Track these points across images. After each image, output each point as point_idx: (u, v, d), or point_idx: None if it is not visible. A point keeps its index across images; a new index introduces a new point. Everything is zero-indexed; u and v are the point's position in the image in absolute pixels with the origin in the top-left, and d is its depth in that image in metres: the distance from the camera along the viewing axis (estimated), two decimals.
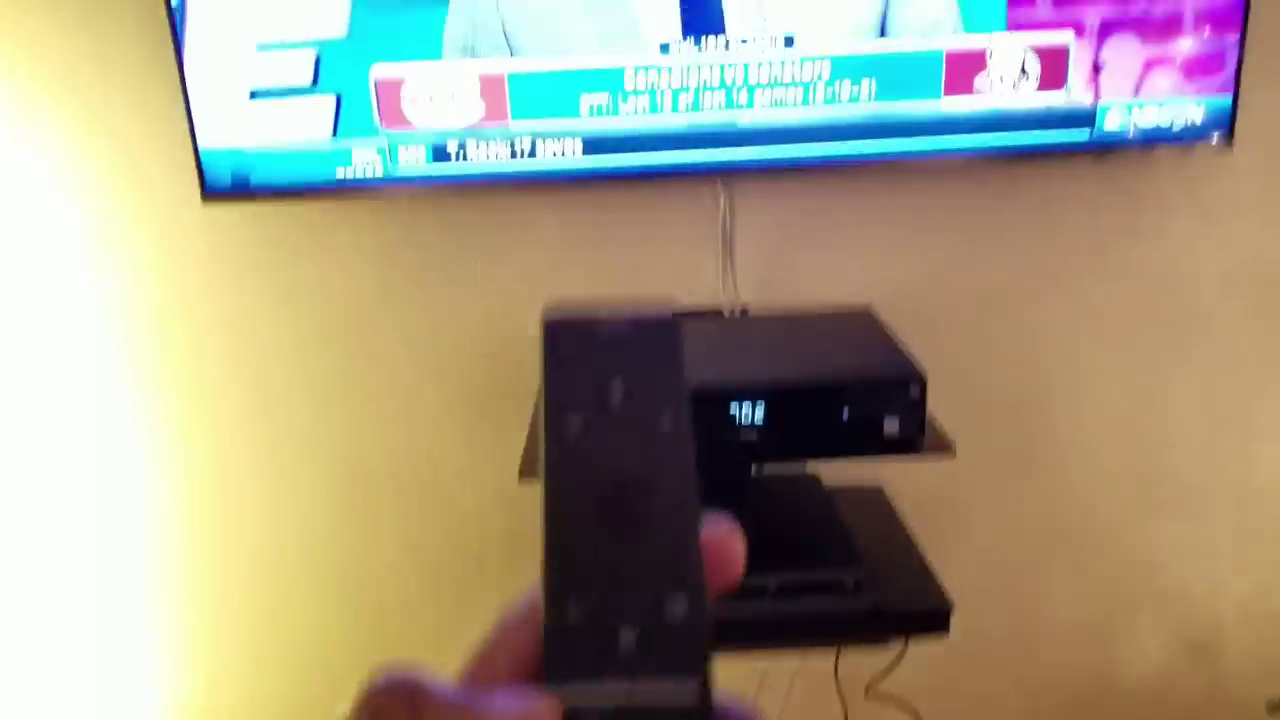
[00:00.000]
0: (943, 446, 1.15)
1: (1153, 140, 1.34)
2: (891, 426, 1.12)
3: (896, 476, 1.47)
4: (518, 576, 1.45)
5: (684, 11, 1.25)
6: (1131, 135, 1.33)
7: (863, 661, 1.55)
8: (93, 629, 1.55)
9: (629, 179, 1.33)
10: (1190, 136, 1.34)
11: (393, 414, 1.51)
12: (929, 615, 1.18)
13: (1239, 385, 1.57)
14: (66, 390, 1.46)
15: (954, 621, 1.29)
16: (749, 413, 1.12)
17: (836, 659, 1.56)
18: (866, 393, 1.11)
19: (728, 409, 1.12)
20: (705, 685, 0.27)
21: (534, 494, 1.11)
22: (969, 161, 1.34)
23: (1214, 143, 1.34)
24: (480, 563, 1.56)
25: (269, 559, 1.55)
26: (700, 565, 0.28)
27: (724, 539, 0.28)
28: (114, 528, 1.52)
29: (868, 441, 1.13)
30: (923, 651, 1.50)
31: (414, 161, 1.30)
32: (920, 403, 1.12)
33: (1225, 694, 1.70)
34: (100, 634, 1.56)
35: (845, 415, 1.11)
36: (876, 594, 1.19)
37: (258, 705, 1.61)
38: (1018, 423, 1.54)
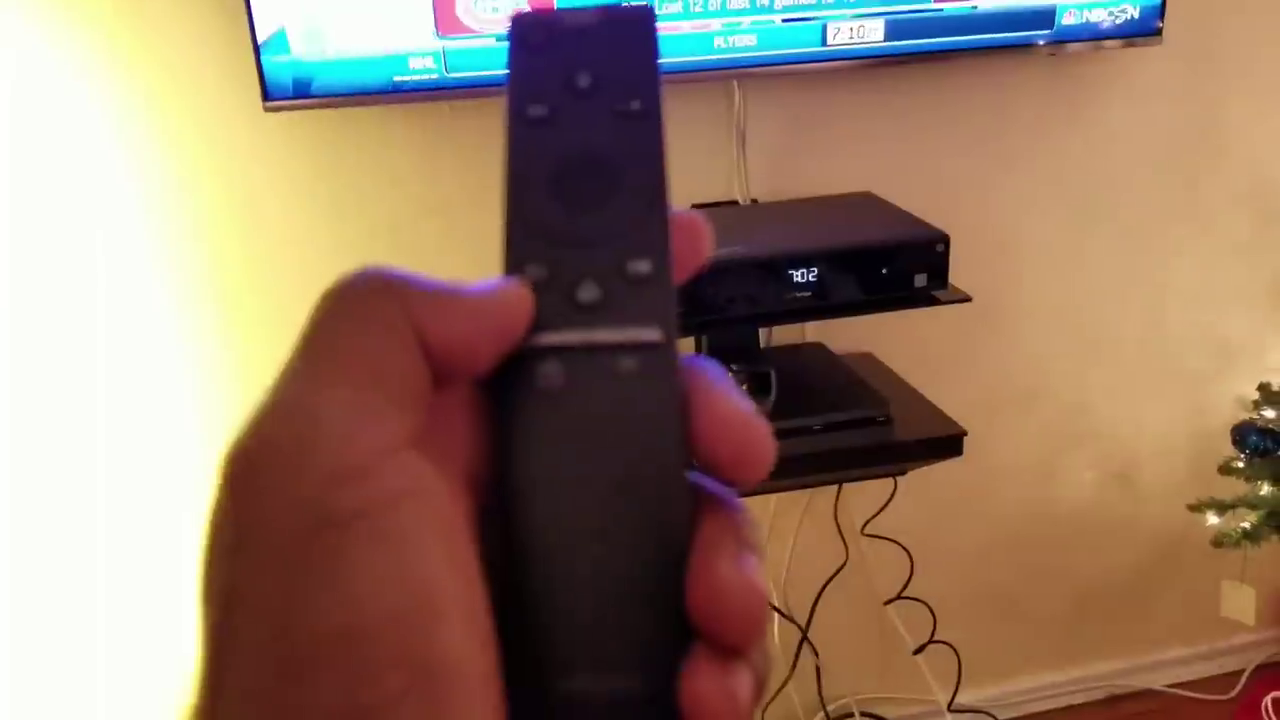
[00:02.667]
0: (961, 298, 1.36)
1: (1098, 36, 1.57)
2: (920, 280, 1.34)
3: (878, 342, 1.70)
4: None
5: None
6: (1082, 31, 1.56)
7: (857, 504, 1.79)
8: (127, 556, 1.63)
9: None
10: (1127, 32, 1.58)
11: None
12: (948, 440, 1.41)
13: (1156, 249, 1.85)
14: (108, 294, 1.52)
15: (926, 469, 1.52)
16: (804, 275, 1.31)
17: (836, 502, 1.79)
18: (903, 252, 1.32)
19: (787, 273, 1.30)
20: (667, 331, 0.27)
21: None
22: (951, 57, 1.54)
23: (1146, 37, 1.58)
24: None
25: None
26: (666, 233, 0.28)
27: (692, 217, 0.28)
28: (155, 438, 1.59)
29: (901, 296, 1.34)
30: (904, 495, 1.75)
31: (464, 66, 1.42)
32: (944, 259, 1.33)
33: (1143, 516, 2.02)
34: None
35: (884, 273, 1.32)
36: (903, 427, 1.41)
37: None
38: (980, 286, 1.78)
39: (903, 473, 1.56)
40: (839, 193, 1.60)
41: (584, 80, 0.29)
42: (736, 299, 1.31)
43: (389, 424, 0.23)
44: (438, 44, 1.40)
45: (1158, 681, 2.12)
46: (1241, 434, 1.62)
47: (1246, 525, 1.60)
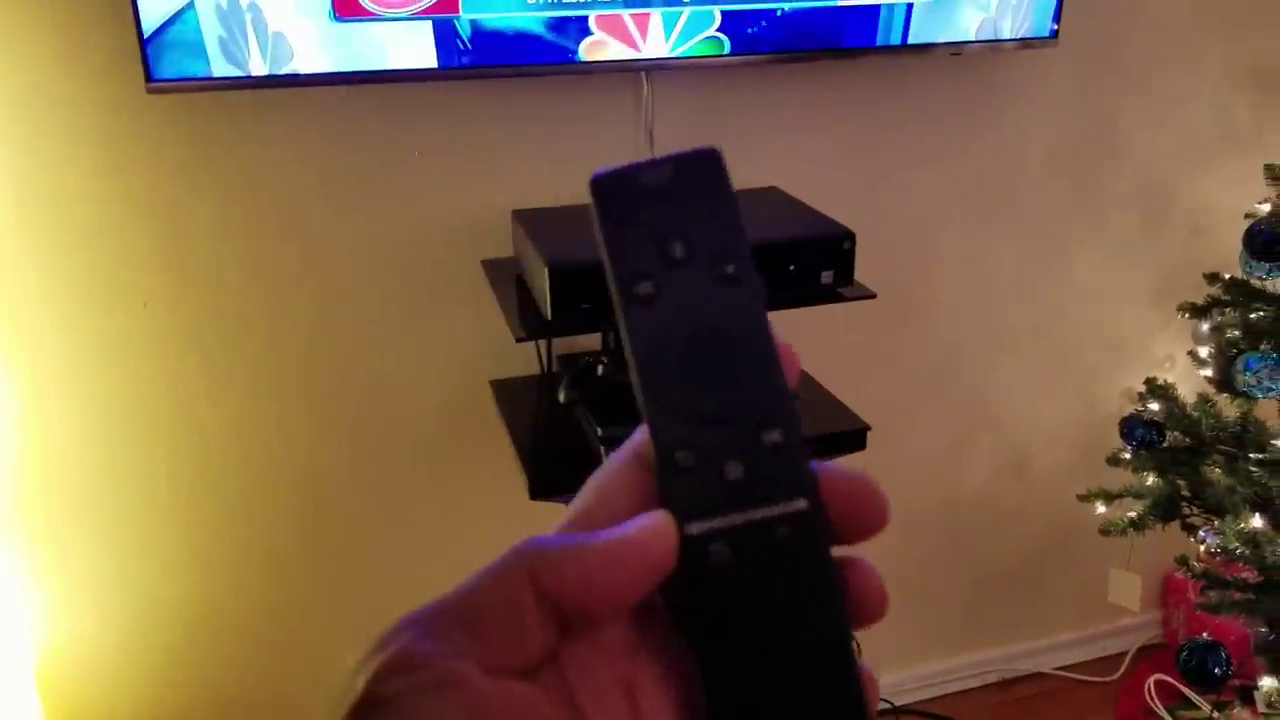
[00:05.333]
0: (866, 294, 1.38)
1: (999, 40, 1.60)
2: (827, 277, 1.34)
3: (781, 335, 1.70)
4: (453, 463, 1.60)
5: None
6: (983, 36, 1.59)
7: None
8: None
9: (564, 69, 1.45)
10: (1025, 35, 1.62)
11: (334, 304, 1.57)
12: (851, 435, 1.42)
13: (1052, 247, 1.90)
14: None
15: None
16: None
17: None
18: (810, 249, 1.33)
19: None
20: (815, 497, 0.29)
21: (481, 389, 1.33)
22: (855, 54, 1.55)
23: (1043, 40, 1.62)
24: (418, 450, 1.67)
25: (206, 455, 1.59)
26: (788, 396, 0.30)
27: (788, 351, 0.31)
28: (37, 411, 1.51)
29: (808, 292, 1.34)
30: None
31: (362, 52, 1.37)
32: (850, 256, 1.34)
33: (1035, 505, 2.08)
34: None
35: (792, 269, 1.32)
36: (807, 422, 1.42)
37: (207, 613, 1.66)
38: (883, 282, 1.80)
39: None
40: (746, 188, 1.60)
41: (678, 249, 0.30)
42: None
43: (450, 645, 0.27)
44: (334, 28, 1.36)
45: (1047, 665, 2.19)
46: (1129, 427, 1.67)
47: (1133, 515, 1.65)
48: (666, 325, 0.30)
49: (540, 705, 0.28)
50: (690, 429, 0.30)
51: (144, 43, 1.31)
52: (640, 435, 0.31)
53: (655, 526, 0.29)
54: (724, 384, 0.30)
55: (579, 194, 1.22)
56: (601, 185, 0.31)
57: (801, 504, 0.29)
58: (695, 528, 0.29)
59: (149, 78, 1.33)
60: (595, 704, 0.29)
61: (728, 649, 0.29)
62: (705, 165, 0.31)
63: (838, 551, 0.30)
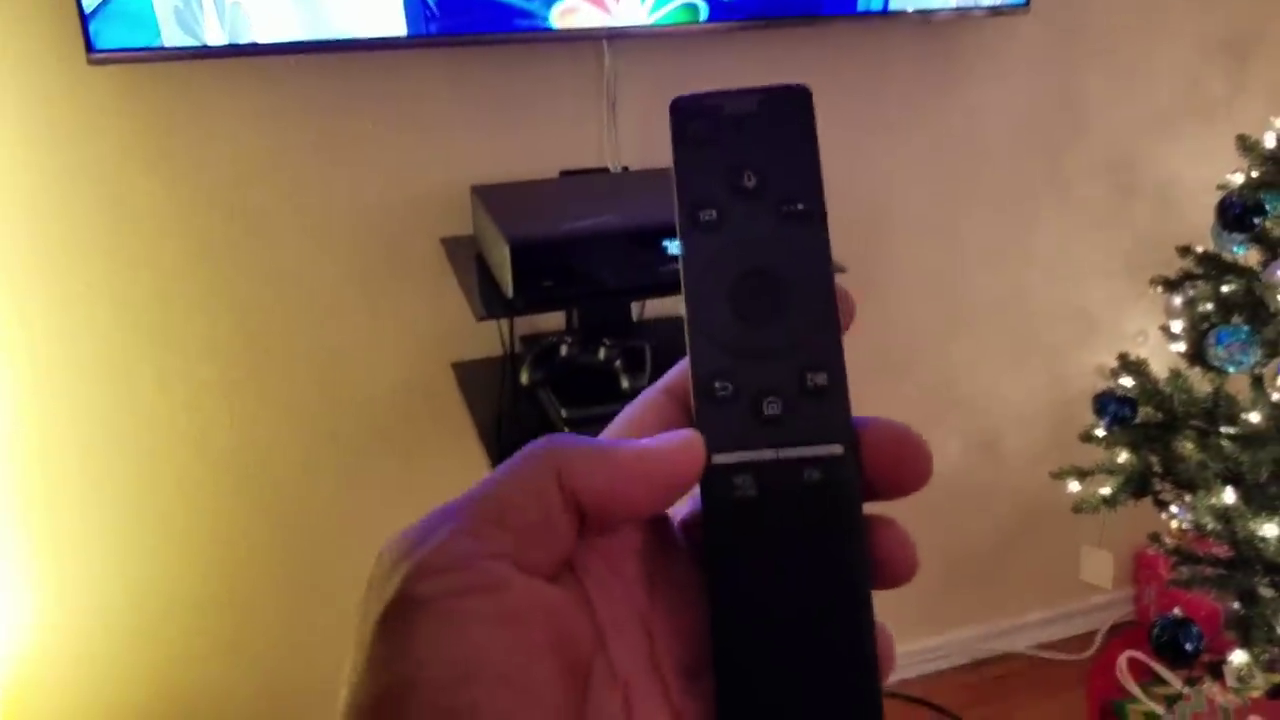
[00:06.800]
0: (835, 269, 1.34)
1: (971, 8, 1.57)
2: None
3: None
4: (415, 449, 1.55)
5: None
6: (964, 2, 1.55)
7: None
8: None
9: (536, 37, 1.40)
10: (1000, 4, 1.59)
11: (285, 286, 1.52)
12: None
13: (1020, 220, 1.88)
14: None
15: None
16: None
17: None
18: None
19: (660, 244, 1.26)
20: (852, 445, 0.29)
21: (442, 371, 1.28)
22: (823, 21, 1.51)
23: (1014, 7, 1.59)
24: (378, 436, 1.63)
25: (155, 442, 1.54)
26: (838, 342, 0.29)
27: (843, 294, 0.31)
28: None
29: None
30: None
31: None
32: None
33: (1006, 483, 2.07)
34: None
35: None
36: None
37: (138, 607, 1.61)
38: (851, 256, 1.77)
39: None
40: None
41: (750, 180, 0.30)
42: (608, 271, 1.26)
43: (488, 544, 0.26)
44: None
45: (1018, 644, 2.18)
46: (1101, 403, 1.65)
47: (1105, 492, 1.64)
48: (725, 254, 0.29)
49: (571, 612, 0.27)
50: (732, 360, 0.29)
51: (85, 14, 1.25)
52: (674, 372, 0.31)
53: (684, 440, 0.28)
54: (775, 320, 0.29)
55: (539, 168, 1.18)
56: (682, 108, 0.30)
57: (836, 449, 0.29)
58: (723, 458, 0.29)
59: (90, 48, 1.27)
60: (614, 629, 0.29)
61: (740, 585, 0.28)
62: (792, 101, 0.30)
63: (874, 508, 0.29)
